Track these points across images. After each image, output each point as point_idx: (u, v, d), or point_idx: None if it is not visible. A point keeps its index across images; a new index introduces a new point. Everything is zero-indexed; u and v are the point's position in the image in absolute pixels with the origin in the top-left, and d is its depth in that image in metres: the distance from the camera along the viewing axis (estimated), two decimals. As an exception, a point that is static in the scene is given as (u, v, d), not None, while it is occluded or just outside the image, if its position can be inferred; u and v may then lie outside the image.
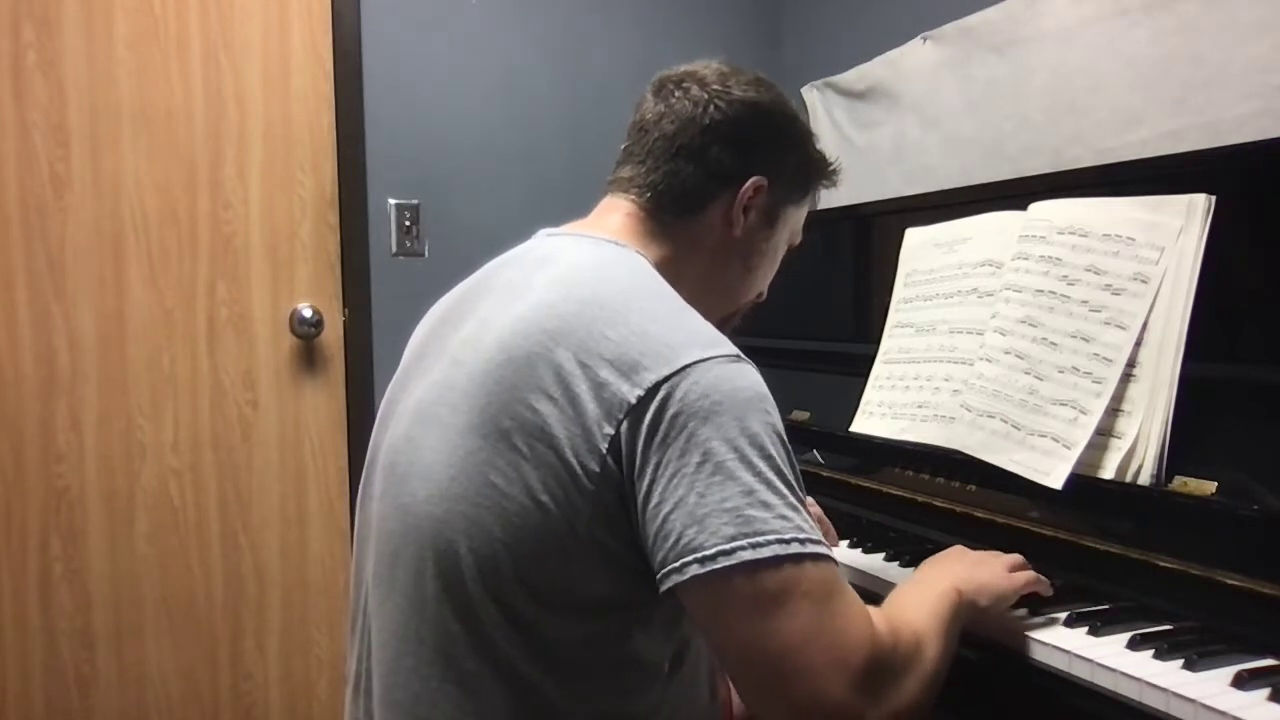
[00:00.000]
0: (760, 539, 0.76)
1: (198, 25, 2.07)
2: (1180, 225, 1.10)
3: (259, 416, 2.16)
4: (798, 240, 1.12)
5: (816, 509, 1.31)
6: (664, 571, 0.78)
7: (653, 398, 0.79)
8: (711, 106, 0.99)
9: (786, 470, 0.80)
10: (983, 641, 0.99)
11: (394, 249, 2.25)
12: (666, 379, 0.79)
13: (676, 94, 1.01)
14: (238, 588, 2.15)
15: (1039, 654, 0.94)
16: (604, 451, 0.79)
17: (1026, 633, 0.96)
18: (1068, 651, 0.91)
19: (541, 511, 0.80)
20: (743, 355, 0.85)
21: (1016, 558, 1.04)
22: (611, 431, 0.79)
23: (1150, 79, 1.56)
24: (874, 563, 1.22)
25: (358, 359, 2.22)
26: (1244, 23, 1.43)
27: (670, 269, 0.96)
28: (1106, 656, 0.89)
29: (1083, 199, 1.22)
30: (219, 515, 2.13)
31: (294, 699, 2.22)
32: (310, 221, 2.18)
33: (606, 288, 0.87)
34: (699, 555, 0.76)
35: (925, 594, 0.92)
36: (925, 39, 2.04)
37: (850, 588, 0.80)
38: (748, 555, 0.75)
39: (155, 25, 2.03)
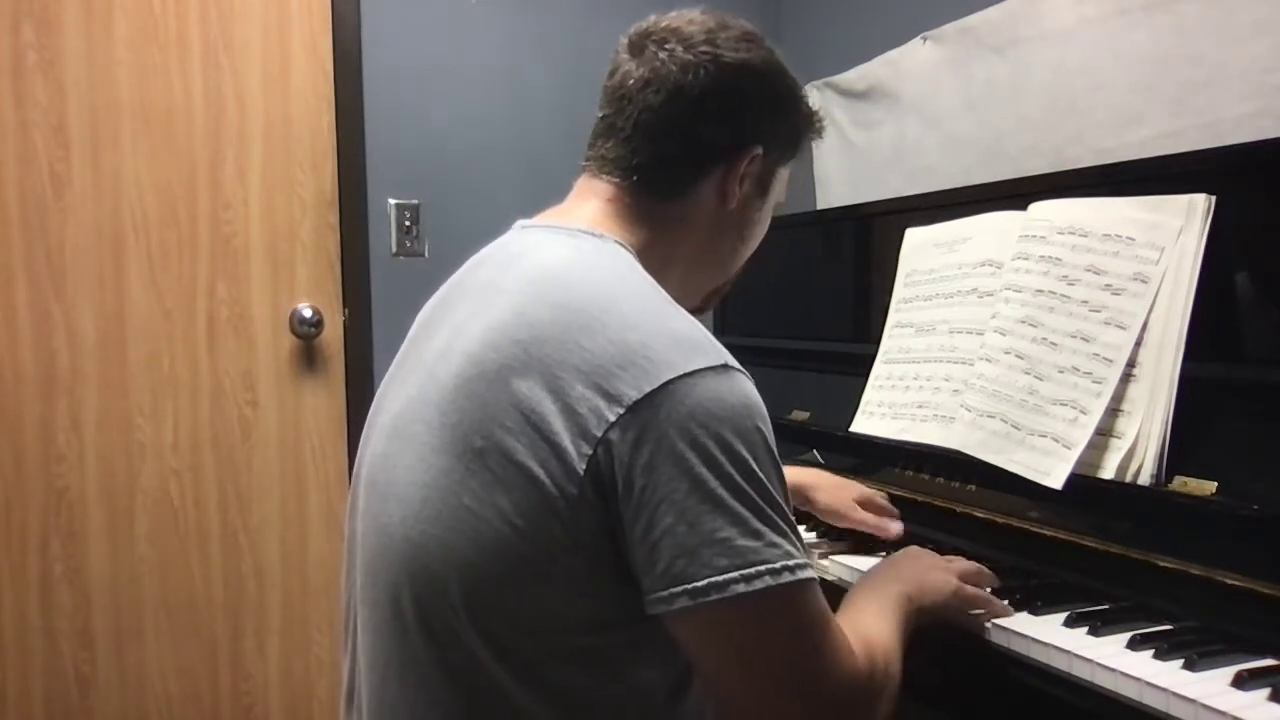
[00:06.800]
0: (752, 570, 0.74)
1: (198, 25, 2.07)
2: (1180, 225, 1.10)
3: (259, 417, 2.16)
4: (783, 198, 1.04)
5: (971, 565, 1.07)
6: (651, 598, 0.76)
7: (634, 417, 0.75)
8: (702, 72, 0.90)
9: (776, 491, 0.78)
10: (982, 641, 0.99)
11: (394, 249, 2.26)
12: (648, 396, 0.75)
13: (660, 55, 0.91)
14: (238, 588, 2.15)
15: (1039, 654, 0.94)
16: (582, 474, 0.75)
17: (1026, 633, 0.96)
18: (1068, 651, 0.91)
19: (517, 536, 0.76)
20: (729, 360, 0.79)
21: (969, 565, 1.05)
22: (590, 451, 0.75)
23: (1150, 79, 1.56)
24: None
25: (357, 359, 2.22)
26: (1243, 23, 1.42)
27: (657, 252, 0.91)
28: (1106, 656, 0.89)
29: (1083, 199, 1.22)
30: (219, 516, 2.13)
31: (294, 699, 2.22)
32: (310, 221, 2.18)
33: (581, 289, 0.82)
34: (689, 588, 0.74)
35: (885, 606, 0.93)
36: (925, 39, 2.04)
37: (833, 615, 0.81)
38: (740, 588, 0.73)
39: (155, 25, 2.03)
